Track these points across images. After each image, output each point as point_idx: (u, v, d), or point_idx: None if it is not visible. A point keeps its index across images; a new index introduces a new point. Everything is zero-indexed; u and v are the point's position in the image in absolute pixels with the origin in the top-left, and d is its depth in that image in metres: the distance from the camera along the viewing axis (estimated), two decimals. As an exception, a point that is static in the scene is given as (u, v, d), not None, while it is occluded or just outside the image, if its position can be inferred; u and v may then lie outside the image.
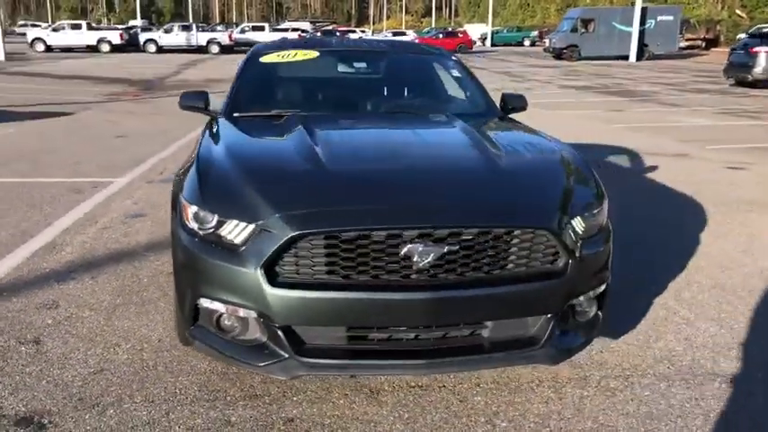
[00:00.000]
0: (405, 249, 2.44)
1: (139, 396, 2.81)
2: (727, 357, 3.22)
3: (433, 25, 77.46)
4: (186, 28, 42.30)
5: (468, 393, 2.85)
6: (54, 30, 41.43)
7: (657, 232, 5.24)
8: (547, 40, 38.83)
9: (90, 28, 41.95)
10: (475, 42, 53.20)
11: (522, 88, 18.86)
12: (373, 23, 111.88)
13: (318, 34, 49.08)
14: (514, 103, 4.30)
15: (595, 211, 2.83)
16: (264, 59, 4.33)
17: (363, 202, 2.56)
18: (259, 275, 2.45)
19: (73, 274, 4.18)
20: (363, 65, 4.53)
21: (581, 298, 2.77)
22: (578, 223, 2.71)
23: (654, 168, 7.73)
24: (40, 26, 52.23)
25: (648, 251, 4.77)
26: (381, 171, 2.84)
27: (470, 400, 2.81)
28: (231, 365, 2.85)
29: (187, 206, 2.71)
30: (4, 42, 32.66)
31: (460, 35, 47.43)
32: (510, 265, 2.57)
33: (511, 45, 56.38)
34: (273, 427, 2.60)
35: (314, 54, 4.38)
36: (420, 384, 2.91)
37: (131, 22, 64.67)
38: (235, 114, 3.81)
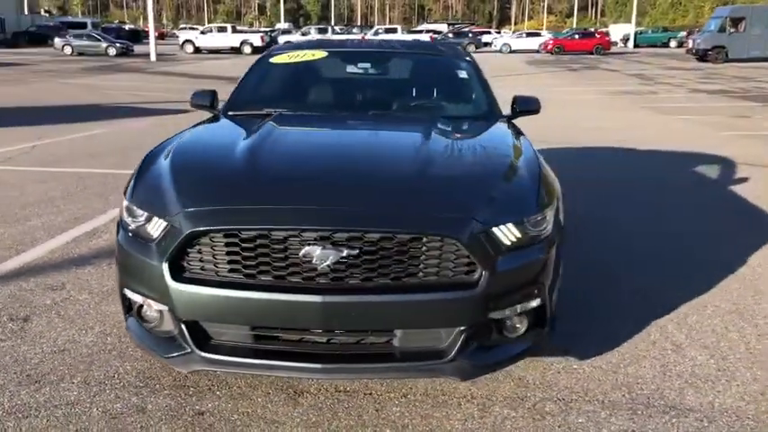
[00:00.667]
0: (303, 251, 2.41)
1: (80, 377, 2.96)
2: (698, 390, 2.90)
3: (575, 26, 75.05)
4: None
5: (390, 403, 2.77)
6: (202, 33, 44.39)
7: (675, 245, 4.81)
8: (690, 41, 36.40)
9: (234, 31, 44.50)
10: (615, 43, 50.97)
11: (647, 91, 17.90)
12: (515, 24, 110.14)
13: (450, 36, 49.21)
14: (524, 106, 4.12)
15: (533, 219, 2.65)
16: (274, 60, 4.42)
17: (267, 202, 2.56)
18: (164, 270, 2.51)
19: (93, 260, 4.48)
20: (367, 66, 4.48)
21: (506, 312, 2.61)
22: (506, 232, 2.55)
23: (739, 181, 7.06)
24: (195, 29, 56.06)
25: (668, 266, 4.39)
26: (302, 173, 2.81)
27: (388, 409, 2.73)
28: (149, 355, 2.94)
29: (123, 201, 2.83)
30: (156, 44, 35.50)
31: (598, 36, 45.60)
32: (419, 273, 2.47)
33: (656, 46, 53.48)
34: (180, 418, 2.66)
35: (322, 54, 4.41)
36: (346, 389, 2.86)
37: (277, 26, 67.95)
38: (230, 113, 3.92)
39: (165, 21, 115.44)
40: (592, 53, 43.39)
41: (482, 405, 2.76)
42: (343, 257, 2.41)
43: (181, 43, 44.21)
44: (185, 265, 2.53)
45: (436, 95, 4.31)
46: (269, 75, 4.36)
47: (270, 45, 43.19)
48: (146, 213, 2.66)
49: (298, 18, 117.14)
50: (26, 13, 64.91)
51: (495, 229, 2.55)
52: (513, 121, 4.06)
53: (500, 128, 3.67)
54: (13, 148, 8.67)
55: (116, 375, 2.99)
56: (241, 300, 2.46)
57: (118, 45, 39.85)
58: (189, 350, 2.58)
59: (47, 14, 72.83)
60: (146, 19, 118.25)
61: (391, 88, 4.42)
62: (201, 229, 2.48)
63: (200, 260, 2.52)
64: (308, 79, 4.42)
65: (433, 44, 5.14)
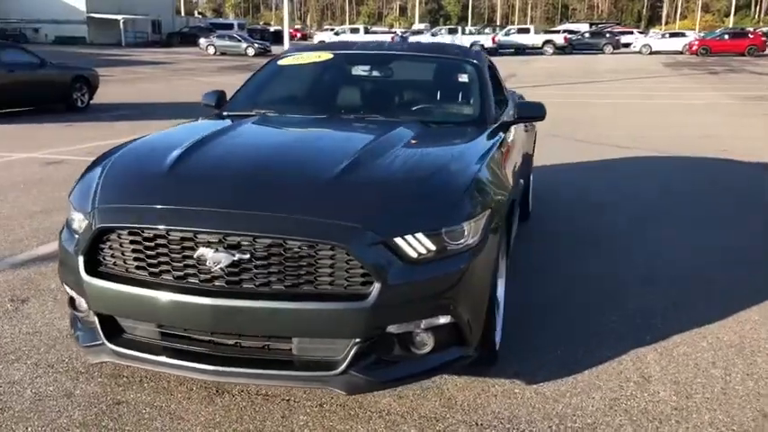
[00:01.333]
0: (197, 253, 2.43)
1: (34, 358, 3.15)
2: (637, 430, 2.61)
3: (731, 25, 69.80)
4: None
5: (300, 411, 2.72)
6: (336, 33, 45.74)
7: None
8: None
9: (366, 32, 45.49)
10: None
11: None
12: (665, 24, 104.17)
13: (587, 36, 47.33)
14: (526, 112, 3.90)
15: (452, 231, 2.50)
16: (282, 62, 4.46)
17: (173, 202, 2.58)
18: (79, 263, 2.62)
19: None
20: (366, 69, 4.40)
21: (409, 326, 2.48)
22: (414, 243, 2.43)
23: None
24: (332, 30, 57.87)
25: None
26: (219, 175, 2.79)
27: (295, 417, 2.68)
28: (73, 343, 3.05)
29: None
30: (291, 45, 36.95)
31: (751, 36, 42.10)
32: (312, 281, 2.41)
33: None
34: (97, 406, 2.76)
35: (327, 56, 4.40)
36: (267, 393, 2.85)
37: (414, 26, 68.59)
38: (225, 113, 4.00)
39: (308, 22, 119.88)
40: (743, 55, 40.18)
41: (392, 422, 2.65)
42: (235, 261, 2.40)
43: (315, 44, 45.82)
44: (100, 260, 2.62)
45: (425, 100, 4.18)
46: (273, 76, 4.40)
47: (400, 46, 43.80)
48: (73, 209, 2.78)
49: (438, 19, 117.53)
50: (182, 15, 69.87)
51: (398, 240, 2.43)
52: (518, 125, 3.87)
53: (472, 135, 3.49)
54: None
55: (66, 360, 3.14)
56: (144, 298, 2.51)
57: (256, 45, 41.91)
58: (100, 342, 2.67)
59: (200, 16, 78.00)
60: (292, 21, 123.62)
61: (382, 92, 4.33)
62: (108, 225, 2.56)
63: (112, 256, 2.60)
64: (303, 81, 4.42)
65: (445, 46, 4.96)
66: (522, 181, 4.25)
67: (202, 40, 44.25)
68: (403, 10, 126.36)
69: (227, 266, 2.41)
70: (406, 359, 2.56)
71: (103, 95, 14.70)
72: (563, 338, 3.38)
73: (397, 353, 2.54)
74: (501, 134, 3.65)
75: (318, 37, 47.61)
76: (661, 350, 3.29)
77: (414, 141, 3.24)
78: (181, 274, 2.49)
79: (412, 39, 43.72)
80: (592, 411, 2.75)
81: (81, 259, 2.62)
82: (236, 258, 2.40)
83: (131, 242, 2.54)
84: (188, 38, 51.33)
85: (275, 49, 42.81)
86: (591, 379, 3.01)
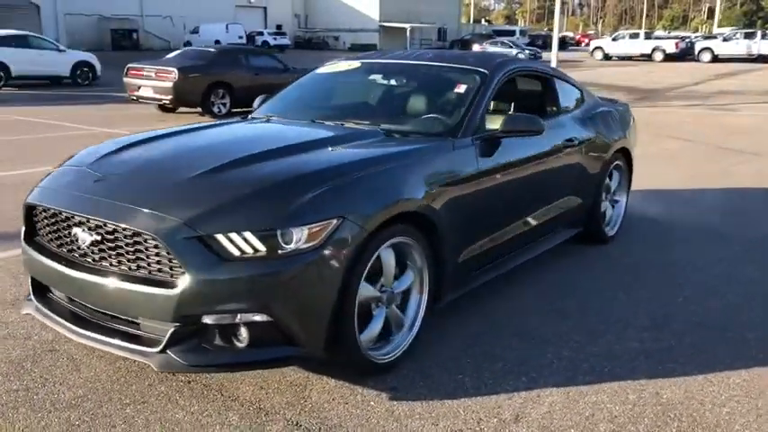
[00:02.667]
0: (72, 231, 2.89)
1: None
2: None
3: None
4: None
5: (175, 401, 3.04)
6: (613, 39, 43.61)
7: None
8: None
9: (647, 37, 42.64)
10: None
11: None
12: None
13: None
14: (513, 125, 3.71)
15: (285, 234, 2.63)
16: (319, 70, 4.74)
17: (76, 188, 3.04)
18: (22, 232, 3.24)
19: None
20: (379, 77, 4.43)
21: (223, 318, 2.65)
22: (238, 240, 2.60)
23: None
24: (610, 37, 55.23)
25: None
26: (126, 168, 3.16)
27: (150, 394, 3.00)
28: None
29: None
30: (560, 51, 36.24)
31: None
32: (137, 266, 2.72)
33: None
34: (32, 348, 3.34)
35: (356, 65, 4.57)
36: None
37: (715, 30, 62.46)
38: (250, 116, 4.43)
39: (600, 27, 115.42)
40: None
41: (224, 407, 2.82)
42: (93, 241, 2.81)
43: (591, 50, 44.22)
44: (34, 230, 3.20)
45: (407, 109, 4.12)
46: (303, 83, 4.68)
47: (686, 53, 40.22)
48: None
49: (754, 21, 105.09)
50: (471, 22, 72.28)
51: (219, 236, 2.61)
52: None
53: (408, 145, 3.46)
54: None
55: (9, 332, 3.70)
56: (46, 265, 3.01)
57: (526, 52, 41.80)
58: (29, 297, 3.26)
59: (486, 24, 79.88)
60: (586, 26, 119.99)
61: (374, 100, 4.36)
62: (28, 201, 3.13)
63: (37, 228, 3.16)
64: (319, 89, 4.63)
65: (473, 55, 4.74)
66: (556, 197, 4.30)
67: (475, 47, 45.44)
68: (712, 12, 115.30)
69: (89, 246, 2.82)
70: (225, 349, 2.71)
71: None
72: (465, 370, 3.20)
73: (218, 343, 2.71)
74: (466, 147, 3.54)
75: (595, 43, 45.74)
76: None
77: (330, 149, 3.32)
78: (66, 248, 2.95)
79: (698, 44, 39.98)
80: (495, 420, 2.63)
81: (23, 229, 3.22)
82: (93, 239, 2.79)
83: (43, 218, 3.07)
84: (467, 44, 53.07)
85: (545, 56, 42.29)
86: (450, 408, 2.84)
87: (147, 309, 2.69)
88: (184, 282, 2.58)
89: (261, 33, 51.04)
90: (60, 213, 2.95)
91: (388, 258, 3.06)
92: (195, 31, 48.07)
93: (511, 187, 3.87)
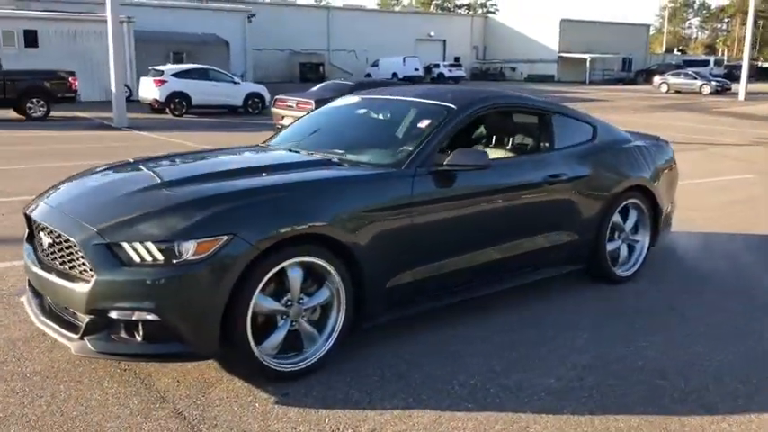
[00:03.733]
0: (40, 235, 3.58)
1: None
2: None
3: None
4: None
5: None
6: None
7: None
8: None
9: None
10: None
11: None
12: None
13: None
14: (458, 160, 3.90)
15: (174, 245, 3.09)
16: (331, 104, 5.17)
17: (54, 202, 3.70)
18: (25, 235, 4.00)
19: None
20: (364, 111, 4.74)
21: (122, 315, 3.13)
22: (140, 249, 3.09)
23: None
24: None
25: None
26: (94, 186, 3.79)
27: (89, 376, 3.58)
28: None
29: None
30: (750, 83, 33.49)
31: None
32: (69, 265, 3.32)
33: None
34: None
35: (355, 99, 4.95)
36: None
37: None
38: (260, 144, 4.99)
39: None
40: None
41: (130, 392, 3.32)
42: (49, 244, 3.46)
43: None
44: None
45: (371, 141, 4.37)
46: (313, 114, 5.13)
47: None
48: None
49: None
50: (664, 51, 68.59)
51: (124, 244, 3.13)
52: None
53: (344, 174, 3.85)
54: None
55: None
56: (29, 263, 3.71)
57: (713, 83, 39.10)
58: (27, 287, 3.98)
59: (678, 53, 75.28)
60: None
61: (349, 132, 4.65)
62: (24, 211, 3.86)
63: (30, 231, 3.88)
64: (317, 121, 5.01)
65: (446, 90, 4.82)
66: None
67: (656, 78, 43.25)
68: None
69: (47, 247, 3.48)
70: (127, 341, 3.20)
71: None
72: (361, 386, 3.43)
73: (123, 335, 3.20)
74: (402, 179, 3.78)
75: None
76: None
77: (264, 174, 3.75)
78: (37, 250, 3.63)
79: None
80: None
81: (25, 232, 3.98)
82: (48, 242, 3.45)
83: (32, 224, 3.79)
84: (650, 74, 50.62)
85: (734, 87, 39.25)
86: (318, 416, 3.11)
87: (71, 301, 3.27)
88: (93, 280, 3.12)
89: (437, 65, 52.46)
90: (35, 221, 3.63)
91: (295, 276, 3.39)
92: (375, 65, 50.62)
93: (461, 220, 4.02)
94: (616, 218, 4.97)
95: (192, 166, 4.34)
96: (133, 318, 3.14)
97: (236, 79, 22.57)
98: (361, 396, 3.31)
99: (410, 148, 4.03)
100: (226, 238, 3.14)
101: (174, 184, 3.61)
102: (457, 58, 58.24)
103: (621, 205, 4.96)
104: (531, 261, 4.52)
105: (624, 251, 5.12)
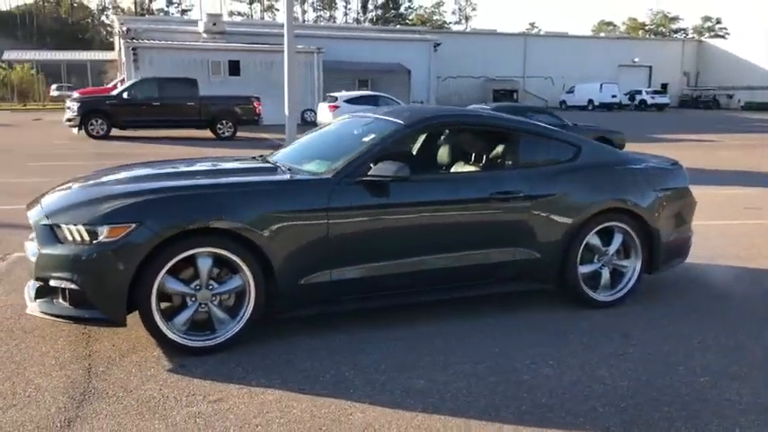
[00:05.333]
0: None
1: None
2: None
3: None
4: None
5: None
6: None
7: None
8: None
9: None
10: None
11: None
12: None
13: None
14: (379, 171, 4.20)
15: (95, 228, 3.79)
16: (332, 121, 5.64)
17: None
18: None
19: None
20: (344, 128, 5.18)
21: (59, 283, 3.90)
22: (73, 230, 3.80)
23: None
24: None
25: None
26: (79, 184, 4.58)
27: (41, 334, 4.38)
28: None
29: None
30: None
31: None
32: (37, 241, 4.15)
33: None
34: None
35: (347, 118, 5.39)
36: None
37: None
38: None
39: None
40: None
41: (63, 348, 4.06)
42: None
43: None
44: None
45: (332, 154, 4.68)
46: (318, 129, 5.62)
47: None
48: None
49: None
50: None
51: (63, 226, 3.89)
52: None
53: (270, 179, 4.42)
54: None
55: None
56: None
57: None
58: None
59: None
60: None
61: (322, 147, 5.05)
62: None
63: None
64: (309, 136, 5.45)
65: (409, 108, 4.88)
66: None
67: None
68: None
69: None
70: (61, 305, 3.92)
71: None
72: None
73: (59, 300, 3.93)
74: (322, 187, 4.17)
75: None
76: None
77: (198, 177, 4.40)
78: None
79: None
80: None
81: None
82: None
83: None
84: None
85: None
86: (185, 384, 3.60)
87: (30, 271, 4.08)
88: (38, 254, 3.91)
89: (639, 92, 50.00)
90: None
91: (204, 264, 3.92)
92: (570, 91, 49.60)
93: (386, 228, 4.28)
94: (593, 240, 4.85)
95: (148, 169, 4.99)
96: (62, 286, 3.86)
97: (402, 104, 23.64)
98: (241, 372, 3.72)
99: (344, 160, 4.38)
100: (134, 225, 3.76)
101: (114, 182, 4.34)
102: (664, 85, 55.02)
103: (598, 227, 4.83)
104: (475, 274, 4.60)
105: (606, 275, 4.95)
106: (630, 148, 15.65)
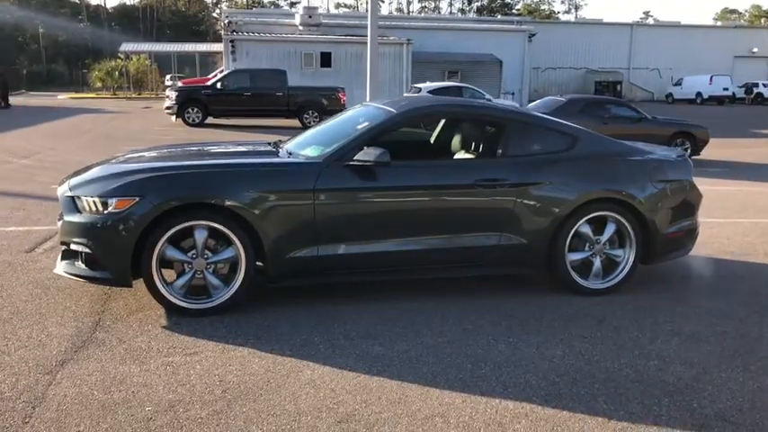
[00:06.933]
0: None
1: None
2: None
3: None
4: None
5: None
6: None
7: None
8: None
9: None
10: None
11: None
12: None
13: None
14: (363, 156, 4.53)
15: (107, 200, 4.37)
16: (353, 108, 6.00)
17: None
18: None
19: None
20: (353, 116, 5.51)
21: (77, 247, 4.51)
22: (89, 202, 4.43)
23: None
24: None
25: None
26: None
27: (65, 287, 5.00)
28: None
29: None
30: None
31: None
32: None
33: None
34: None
35: (360, 108, 5.73)
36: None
37: None
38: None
39: None
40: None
41: (83, 304, 4.65)
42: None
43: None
44: None
45: (330, 140, 5.00)
46: (336, 116, 5.96)
47: None
48: None
49: None
50: None
51: (84, 197, 4.43)
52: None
53: (266, 161, 4.88)
54: None
55: None
56: None
57: None
58: None
59: None
60: None
61: (327, 133, 5.41)
62: None
63: None
64: (329, 123, 5.76)
65: (405, 99, 5.04)
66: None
67: None
68: None
69: None
70: (79, 266, 4.51)
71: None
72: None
73: (79, 262, 4.53)
74: (311, 170, 4.55)
75: None
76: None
77: (205, 158, 4.85)
78: None
79: None
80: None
81: None
82: None
83: None
84: None
85: None
86: (170, 339, 4.09)
87: (59, 237, 4.71)
88: (62, 221, 4.52)
89: (756, 85, 47.11)
90: None
91: (199, 235, 4.40)
92: (678, 83, 47.50)
93: (370, 210, 4.62)
94: (584, 228, 4.96)
95: (168, 150, 5.55)
96: (80, 249, 4.45)
97: (487, 96, 23.57)
98: (224, 332, 4.18)
99: (336, 145, 4.74)
100: (138, 198, 4.29)
101: (133, 160, 4.90)
102: (786, 78, 51.38)
103: (589, 216, 4.94)
104: (459, 257, 4.84)
105: (597, 264, 5.05)
106: (720, 144, 15.12)
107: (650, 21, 79.75)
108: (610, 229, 5.03)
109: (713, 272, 5.85)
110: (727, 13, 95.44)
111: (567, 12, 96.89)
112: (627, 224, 5.02)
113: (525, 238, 4.87)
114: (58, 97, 40.11)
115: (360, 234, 4.65)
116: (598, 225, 5.03)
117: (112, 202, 4.32)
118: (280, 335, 4.17)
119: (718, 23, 74.73)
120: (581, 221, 4.93)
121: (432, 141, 5.97)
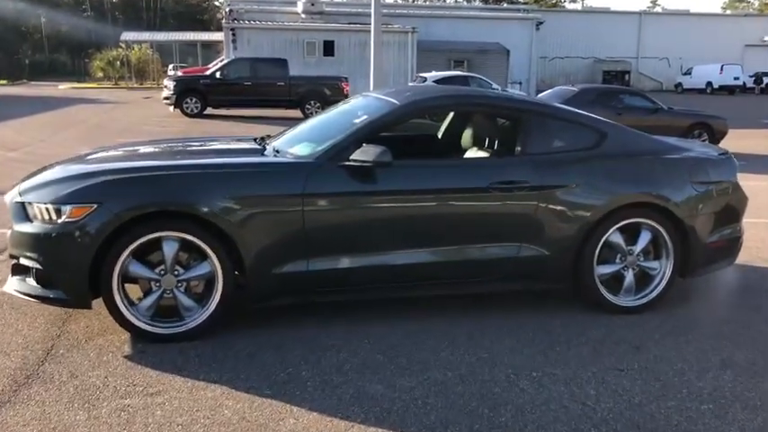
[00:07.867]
0: None
1: None
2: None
3: None
4: None
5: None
6: None
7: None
8: None
9: None
10: None
11: None
12: None
13: None
14: (361, 156, 3.88)
15: (59, 207, 3.73)
16: (350, 99, 5.34)
17: None
18: None
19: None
20: (348, 109, 4.83)
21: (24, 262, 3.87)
22: (42, 209, 3.79)
23: None
24: None
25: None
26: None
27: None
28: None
29: None
30: None
31: None
32: None
33: None
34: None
35: (359, 100, 5.09)
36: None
37: None
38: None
39: None
40: None
41: (49, 322, 4.03)
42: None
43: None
44: None
45: (323, 136, 4.37)
46: (330, 110, 5.26)
47: None
48: None
49: None
50: None
51: (33, 204, 3.78)
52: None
53: (246, 161, 4.22)
54: None
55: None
56: None
57: None
58: None
59: None
60: None
61: (319, 128, 4.82)
62: None
63: None
64: (321, 118, 5.10)
65: (410, 89, 4.37)
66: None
67: None
68: None
69: None
70: (30, 284, 3.87)
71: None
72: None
73: (29, 279, 3.88)
74: (297, 172, 3.90)
75: None
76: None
77: (178, 156, 4.23)
78: None
79: None
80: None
81: None
82: None
83: None
84: None
85: None
86: (131, 370, 3.46)
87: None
88: (10, 231, 3.88)
89: (766, 74, 46.21)
90: None
91: (168, 248, 3.76)
92: (688, 73, 46.64)
93: (372, 217, 3.97)
94: (615, 237, 4.31)
95: (139, 148, 4.94)
96: (29, 265, 3.81)
97: (495, 85, 22.85)
98: (196, 364, 3.55)
99: (330, 142, 4.08)
100: (95, 206, 3.65)
101: (93, 160, 4.24)
102: (798, 67, 50.40)
103: (621, 223, 4.28)
104: (471, 271, 4.19)
105: (630, 278, 4.40)
106: (736, 135, 14.44)
107: (658, 9, 78.55)
108: (644, 239, 4.37)
109: (752, 283, 5.18)
110: (736, 1, 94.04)
111: (573, 0, 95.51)
112: (664, 232, 4.36)
113: (548, 250, 4.22)
114: (59, 87, 39.40)
115: (356, 245, 4.01)
116: (630, 234, 4.37)
117: (66, 209, 3.67)
118: (261, 366, 3.54)
119: (728, 12, 73.59)
120: (612, 229, 4.28)
121: (440, 137, 5.31)
